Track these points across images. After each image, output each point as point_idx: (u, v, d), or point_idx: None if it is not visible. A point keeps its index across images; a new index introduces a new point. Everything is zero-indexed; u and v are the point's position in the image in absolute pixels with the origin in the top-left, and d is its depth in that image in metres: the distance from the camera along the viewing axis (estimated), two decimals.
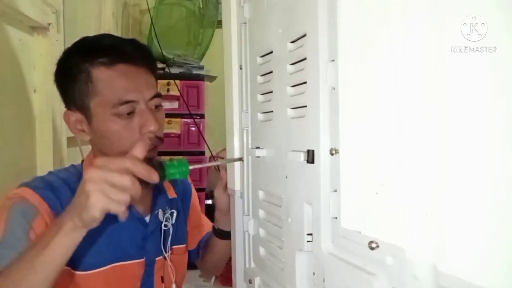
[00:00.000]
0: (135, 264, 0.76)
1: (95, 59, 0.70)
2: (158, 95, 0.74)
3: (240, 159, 0.73)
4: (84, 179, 0.56)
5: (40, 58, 1.09)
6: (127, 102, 0.69)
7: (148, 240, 0.77)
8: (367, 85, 0.42)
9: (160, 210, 0.79)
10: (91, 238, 0.71)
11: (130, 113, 0.70)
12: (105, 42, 0.73)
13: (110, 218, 0.73)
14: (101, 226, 0.72)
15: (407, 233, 0.35)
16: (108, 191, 0.55)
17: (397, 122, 0.37)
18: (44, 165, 1.04)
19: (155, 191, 0.82)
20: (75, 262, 0.71)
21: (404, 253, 0.35)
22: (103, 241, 0.73)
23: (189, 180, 0.95)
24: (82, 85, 0.70)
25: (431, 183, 0.35)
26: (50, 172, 0.77)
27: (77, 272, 0.71)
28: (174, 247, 0.83)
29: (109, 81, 0.69)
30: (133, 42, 0.76)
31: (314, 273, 0.53)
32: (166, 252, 0.78)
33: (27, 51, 1.06)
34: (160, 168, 0.62)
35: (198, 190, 2.14)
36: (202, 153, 2.14)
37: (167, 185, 0.85)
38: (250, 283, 0.69)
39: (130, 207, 0.75)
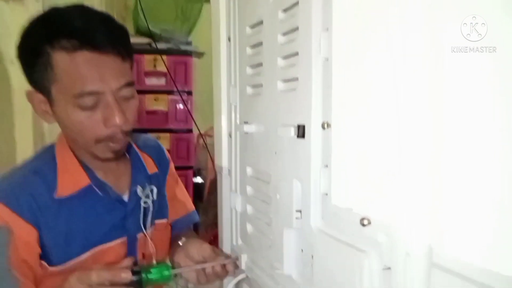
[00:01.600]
0: (117, 244, 0.73)
1: (56, 42, 0.61)
2: (129, 84, 0.66)
3: (236, 259, 0.68)
4: None
5: (18, 27, 1.03)
6: (89, 93, 0.62)
7: (128, 218, 0.74)
8: (363, 56, 0.39)
9: (138, 187, 0.75)
10: (65, 234, 0.68)
11: (94, 105, 0.63)
12: (73, 22, 0.63)
13: (87, 208, 0.70)
14: (76, 219, 0.69)
15: (402, 209, 0.34)
16: None
17: (394, 94, 0.35)
18: (23, 140, 0.99)
19: (134, 168, 0.78)
20: (49, 258, 0.68)
21: (397, 230, 0.34)
22: (81, 232, 0.70)
23: (167, 155, 0.90)
24: (42, 69, 0.62)
25: (430, 159, 0.33)
26: (17, 169, 0.72)
27: (52, 268, 0.68)
28: (156, 221, 0.80)
29: (70, 69, 0.61)
30: (107, 23, 0.66)
31: (302, 250, 0.52)
32: (146, 229, 0.76)
33: (3, 20, 1.00)
34: (137, 275, 0.60)
35: (185, 168, 2.14)
36: (190, 130, 2.10)
37: (146, 160, 0.81)
38: (237, 260, 0.68)
39: (105, 188, 0.72)
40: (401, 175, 0.35)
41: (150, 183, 0.78)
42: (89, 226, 0.70)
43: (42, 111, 0.68)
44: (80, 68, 0.62)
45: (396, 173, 0.35)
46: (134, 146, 0.81)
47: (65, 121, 0.65)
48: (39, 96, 0.66)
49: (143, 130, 1.69)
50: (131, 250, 0.75)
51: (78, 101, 0.62)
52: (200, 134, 2.02)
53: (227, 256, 0.69)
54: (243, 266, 0.67)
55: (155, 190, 0.77)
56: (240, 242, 0.72)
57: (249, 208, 0.66)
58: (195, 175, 2.24)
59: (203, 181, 2.28)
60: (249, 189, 0.66)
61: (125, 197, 0.75)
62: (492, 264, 0.29)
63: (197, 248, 0.69)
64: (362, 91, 0.39)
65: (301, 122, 0.49)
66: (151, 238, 0.75)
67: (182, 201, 0.91)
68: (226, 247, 0.76)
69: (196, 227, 0.98)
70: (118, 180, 0.76)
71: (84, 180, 0.70)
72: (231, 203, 0.72)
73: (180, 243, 0.74)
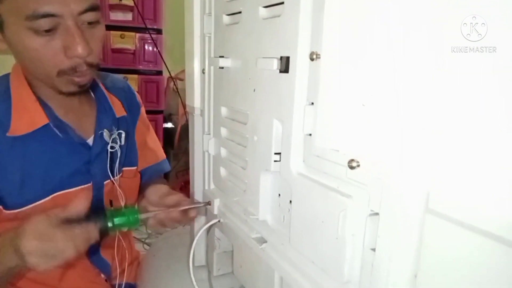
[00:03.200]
0: (81, 190, 0.67)
1: None
2: (93, 8, 0.56)
3: (207, 203, 0.64)
4: (22, 247, 0.50)
5: None
6: (45, 15, 0.52)
7: (93, 164, 0.68)
8: None
9: (105, 130, 0.69)
10: (20, 176, 0.62)
11: (51, 29, 0.54)
12: None
13: (45, 150, 0.63)
14: (32, 160, 0.63)
15: (397, 149, 0.30)
16: (50, 258, 0.51)
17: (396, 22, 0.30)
18: None
19: (100, 110, 0.71)
20: (4, 201, 0.62)
21: (391, 172, 0.31)
22: (38, 175, 0.63)
23: (138, 99, 0.83)
24: None
25: (428, 97, 0.29)
26: None
27: (7, 211, 0.62)
28: (124, 169, 0.75)
29: None
30: None
31: (279, 194, 0.49)
32: (113, 176, 0.70)
33: None
34: (103, 219, 0.56)
35: (155, 112, 2.05)
36: (160, 73, 1.98)
37: (114, 102, 0.74)
38: (210, 205, 0.65)
39: (66, 129, 0.66)
40: (398, 113, 0.31)
41: (118, 127, 0.72)
42: (48, 169, 0.64)
43: None
44: None
45: (392, 111, 0.31)
46: (101, 85, 0.73)
47: (18, 47, 0.56)
48: None
49: (108, 69, 1.56)
50: (97, 197, 0.70)
51: (31, 24, 0.53)
52: (171, 77, 1.91)
53: (192, 201, 0.66)
54: (215, 211, 0.64)
55: (123, 134, 0.71)
56: (212, 186, 0.68)
57: (223, 151, 0.62)
58: (165, 121, 2.16)
59: (173, 127, 2.20)
60: (223, 131, 0.61)
61: (90, 141, 0.69)
62: (495, 211, 0.26)
63: (155, 192, 0.66)
64: (360, 14, 0.34)
65: (285, 54, 0.43)
66: (118, 185, 0.70)
67: (153, 149, 0.85)
68: (197, 192, 0.73)
69: (166, 173, 0.93)
70: (82, 121, 0.69)
71: (41, 119, 0.63)
72: (204, 146, 0.67)
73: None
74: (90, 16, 0.56)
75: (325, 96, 0.38)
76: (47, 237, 0.50)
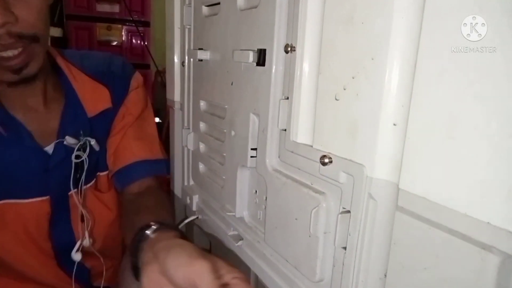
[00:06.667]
0: (37, 203, 0.60)
1: None
2: None
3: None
4: None
5: None
6: None
7: (51, 174, 0.60)
8: None
9: (67, 138, 0.59)
10: None
11: None
12: None
13: None
14: None
15: (368, 146, 0.29)
16: None
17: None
18: None
19: (65, 110, 0.60)
20: None
21: (361, 169, 0.30)
22: None
23: (135, 81, 0.67)
24: None
25: (401, 86, 0.28)
26: None
27: None
28: (99, 173, 0.66)
29: None
30: None
31: (256, 191, 0.48)
32: (77, 187, 0.61)
33: None
34: None
35: None
36: (147, 66, 1.96)
37: (95, 93, 0.61)
38: (189, 201, 0.64)
39: (20, 133, 0.56)
40: (370, 110, 0.30)
41: (91, 129, 0.62)
42: None
43: None
44: None
45: (365, 109, 0.30)
46: (70, 73, 0.61)
47: None
48: None
49: None
50: (57, 212, 0.62)
51: None
52: (158, 71, 1.88)
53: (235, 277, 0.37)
54: (194, 207, 0.63)
55: (93, 142, 0.61)
56: (191, 182, 0.66)
57: (202, 147, 0.60)
58: None
59: (161, 122, 2.18)
60: (202, 126, 0.60)
61: (49, 148, 0.59)
62: (463, 208, 0.25)
63: (183, 269, 0.36)
64: (336, 6, 0.33)
65: (261, 47, 0.42)
66: (86, 199, 0.63)
67: (145, 141, 0.68)
68: (177, 188, 0.71)
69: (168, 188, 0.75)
70: (46, 124, 0.59)
71: None
72: (183, 141, 0.65)
73: (148, 232, 0.45)
74: None
75: (299, 90, 0.36)
76: None
